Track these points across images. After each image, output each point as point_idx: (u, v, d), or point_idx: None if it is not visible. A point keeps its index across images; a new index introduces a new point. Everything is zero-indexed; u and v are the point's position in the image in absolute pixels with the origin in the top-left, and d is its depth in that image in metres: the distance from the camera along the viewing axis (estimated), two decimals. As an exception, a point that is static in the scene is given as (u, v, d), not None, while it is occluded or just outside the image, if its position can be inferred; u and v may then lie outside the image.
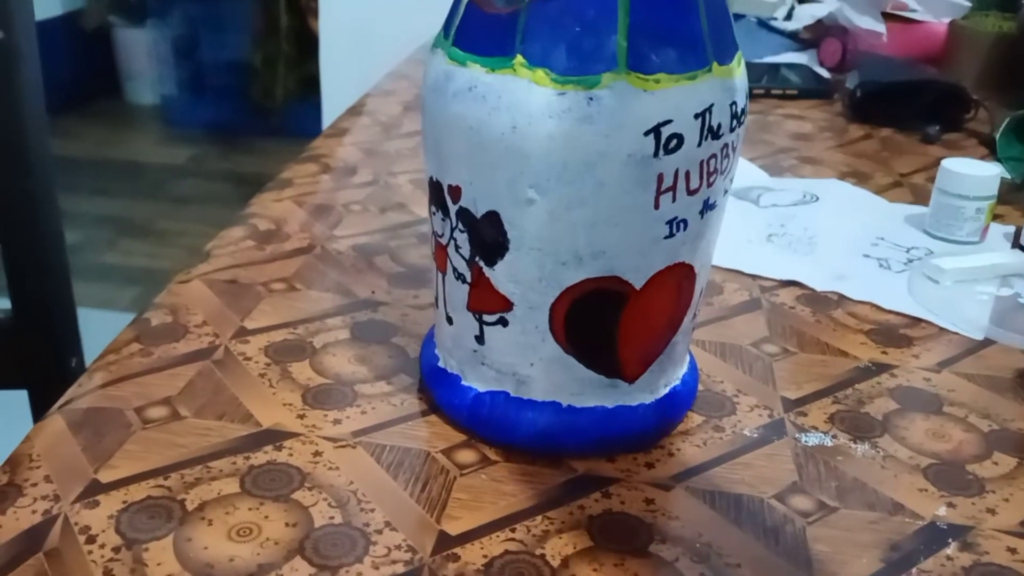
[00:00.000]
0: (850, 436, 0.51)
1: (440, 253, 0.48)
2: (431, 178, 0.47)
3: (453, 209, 0.45)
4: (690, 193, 0.43)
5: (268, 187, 0.82)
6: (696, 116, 0.41)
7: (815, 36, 1.41)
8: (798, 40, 1.42)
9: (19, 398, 0.87)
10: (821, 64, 1.33)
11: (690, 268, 0.46)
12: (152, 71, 3.47)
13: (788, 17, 1.45)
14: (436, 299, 0.50)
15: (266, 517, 0.43)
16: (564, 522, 0.43)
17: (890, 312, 0.65)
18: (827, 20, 1.38)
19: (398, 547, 0.41)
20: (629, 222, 0.42)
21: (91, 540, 0.41)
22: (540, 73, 0.40)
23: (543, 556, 0.41)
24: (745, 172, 0.89)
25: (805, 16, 1.43)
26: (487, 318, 0.46)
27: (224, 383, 0.53)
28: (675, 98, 0.41)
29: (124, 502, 0.43)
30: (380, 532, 0.42)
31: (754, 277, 0.69)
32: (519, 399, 0.47)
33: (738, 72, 0.44)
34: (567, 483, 0.46)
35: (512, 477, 0.46)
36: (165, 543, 0.41)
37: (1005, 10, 1.27)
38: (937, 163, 0.77)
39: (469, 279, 0.46)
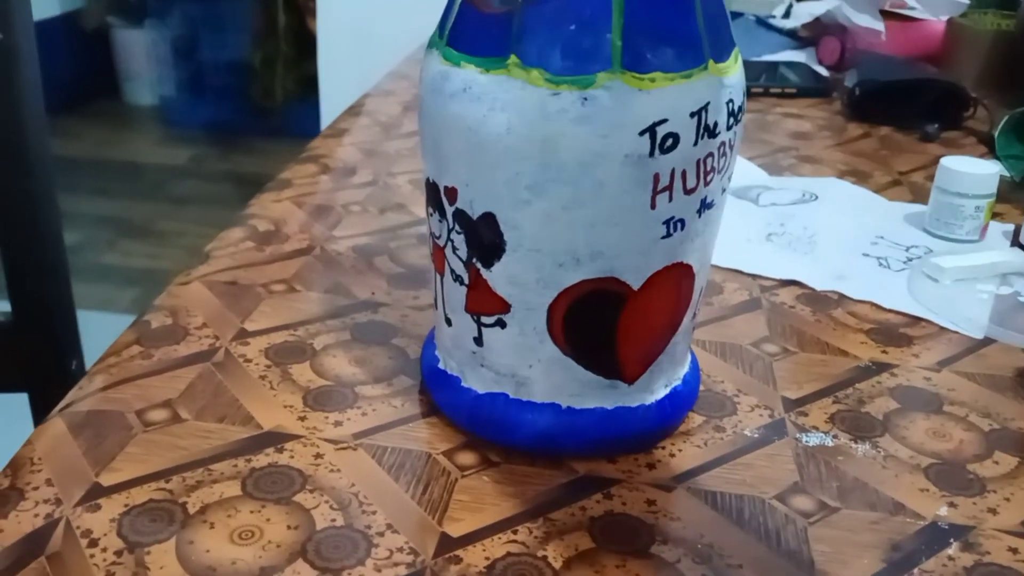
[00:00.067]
0: (851, 436, 0.51)
1: (438, 255, 0.48)
2: (428, 179, 0.47)
3: (450, 211, 0.45)
4: (687, 193, 0.43)
5: (267, 188, 0.82)
6: (692, 115, 0.41)
7: (814, 34, 1.41)
8: (797, 38, 1.42)
9: (19, 401, 0.87)
10: (820, 62, 1.33)
11: (688, 268, 0.45)
12: (151, 71, 3.47)
13: (786, 15, 1.45)
14: (435, 300, 0.50)
15: (268, 520, 0.43)
16: (565, 523, 0.43)
17: (890, 311, 0.65)
18: (826, 18, 1.38)
19: (400, 549, 0.41)
20: (626, 223, 0.42)
21: (93, 544, 0.41)
22: (535, 73, 0.40)
23: (545, 558, 0.41)
24: (744, 171, 0.89)
25: (803, 14, 1.43)
26: (485, 320, 0.46)
27: (225, 385, 0.53)
28: (670, 97, 0.41)
29: (126, 505, 0.43)
30: (382, 534, 0.42)
31: (754, 276, 0.69)
32: (519, 401, 0.47)
33: (735, 69, 0.44)
34: (568, 484, 0.46)
35: (513, 479, 0.46)
36: (167, 546, 0.41)
37: (1004, 8, 1.27)
38: (936, 161, 0.77)
39: (467, 281, 0.46)
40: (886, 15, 1.29)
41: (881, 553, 0.43)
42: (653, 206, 0.42)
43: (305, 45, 2.96)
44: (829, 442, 0.50)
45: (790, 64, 1.29)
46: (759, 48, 1.36)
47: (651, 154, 0.41)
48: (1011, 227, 0.78)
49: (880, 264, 0.72)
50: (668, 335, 0.47)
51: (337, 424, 0.50)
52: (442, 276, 0.48)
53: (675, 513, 0.44)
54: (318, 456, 0.47)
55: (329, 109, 1.71)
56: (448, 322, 0.49)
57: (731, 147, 0.44)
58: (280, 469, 0.46)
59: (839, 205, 0.82)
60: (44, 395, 0.86)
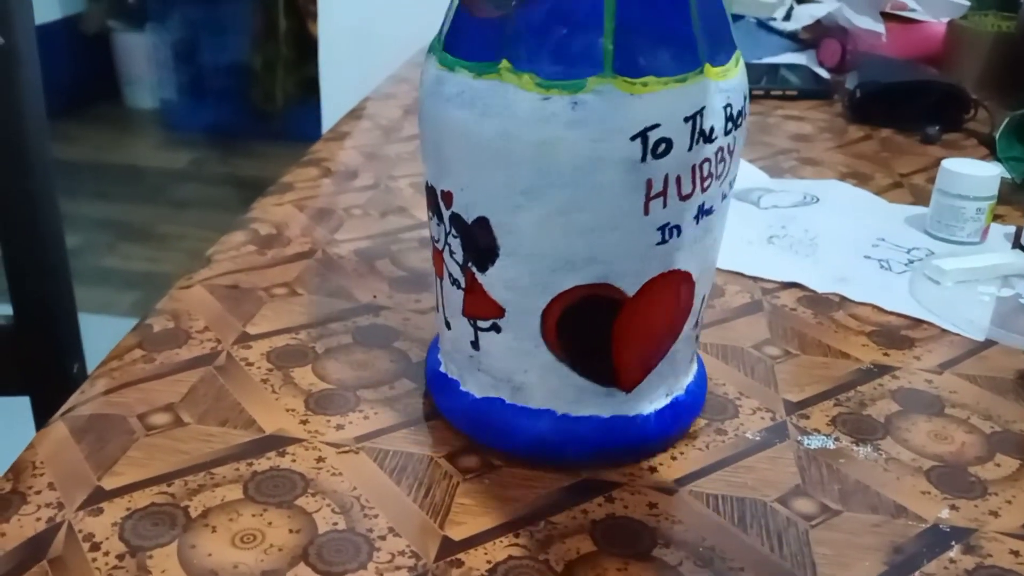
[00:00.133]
0: (852, 439, 0.51)
1: (437, 258, 0.48)
2: (427, 183, 0.47)
3: (447, 214, 0.45)
4: (683, 198, 0.42)
5: (269, 191, 0.82)
6: (686, 119, 0.41)
7: (814, 36, 1.41)
8: (797, 40, 1.42)
9: (20, 404, 0.87)
10: (820, 65, 1.33)
11: (686, 275, 0.45)
12: (151, 75, 3.47)
13: (787, 17, 1.45)
14: (436, 304, 0.50)
15: (270, 523, 0.43)
16: (567, 527, 0.43)
17: (891, 313, 0.65)
18: (826, 20, 1.38)
19: (402, 553, 0.41)
20: (619, 228, 0.42)
21: (95, 548, 0.41)
22: (525, 78, 0.40)
23: (547, 561, 0.41)
24: (745, 173, 0.89)
25: (804, 16, 1.43)
26: (481, 324, 0.46)
27: (226, 389, 0.53)
28: (663, 101, 0.40)
29: (128, 509, 0.43)
30: (384, 538, 0.42)
31: (755, 279, 0.69)
32: (515, 406, 0.47)
33: (734, 73, 0.43)
34: (570, 488, 0.46)
35: (515, 482, 0.46)
36: (169, 550, 0.41)
37: (1004, 10, 1.27)
38: (937, 163, 0.77)
39: (463, 284, 0.46)
40: (887, 17, 1.29)
41: (883, 556, 0.43)
42: (647, 212, 0.42)
43: (305, 48, 2.97)
44: (831, 445, 0.50)
45: (791, 66, 1.29)
46: (760, 50, 1.36)
47: (643, 159, 0.40)
48: (1012, 229, 0.78)
49: (881, 266, 0.72)
50: (667, 343, 0.47)
51: (339, 428, 0.50)
52: (441, 280, 0.48)
53: (677, 516, 0.44)
54: (320, 460, 0.47)
55: (330, 112, 1.72)
56: (448, 326, 0.49)
57: (730, 152, 0.44)
58: (282, 473, 0.46)
59: (840, 207, 0.83)
60: (45, 398, 0.86)
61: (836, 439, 0.51)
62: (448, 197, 0.45)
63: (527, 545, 0.42)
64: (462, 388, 0.49)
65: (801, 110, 1.14)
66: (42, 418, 0.85)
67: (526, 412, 0.47)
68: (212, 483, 0.45)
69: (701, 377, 0.52)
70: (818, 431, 0.51)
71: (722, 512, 0.45)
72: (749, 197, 0.84)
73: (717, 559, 0.42)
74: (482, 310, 0.46)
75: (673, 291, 0.45)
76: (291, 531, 0.42)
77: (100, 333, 0.99)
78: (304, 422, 0.50)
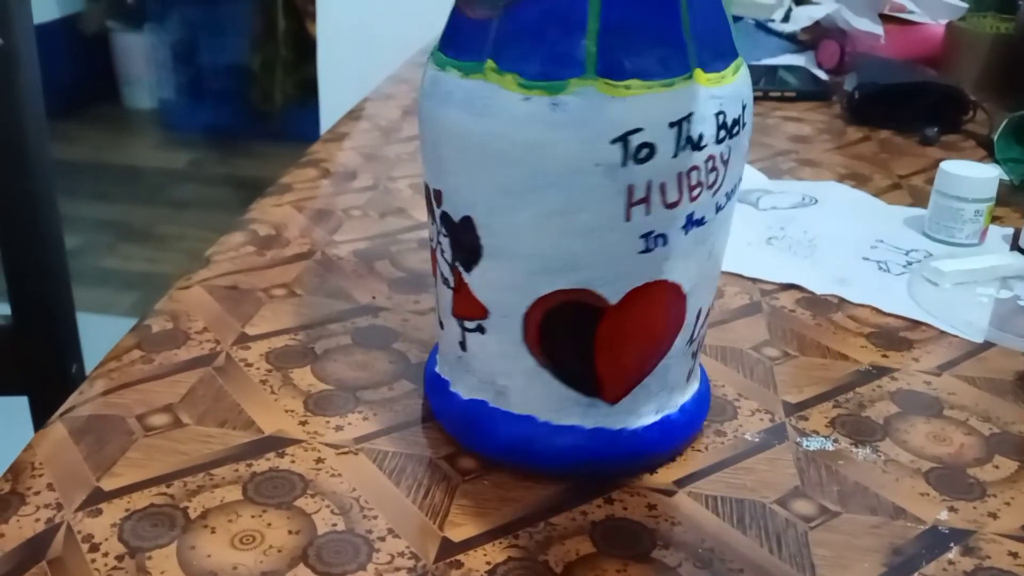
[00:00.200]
0: (851, 440, 0.51)
1: (432, 257, 0.48)
2: (424, 182, 0.47)
3: (437, 213, 0.45)
4: (668, 207, 0.41)
5: (268, 192, 0.82)
6: (671, 125, 0.39)
7: (813, 38, 1.42)
8: (796, 42, 1.42)
9: (18, 404, 0.87)
10: (819, 66, 1.34)
11: (675, 287, 0.44)
12: (150, 75, 3.47)
13: (786, 19, 1.45)
14: (436, 304, 0.50)
15: (269, 524, 0.43)
16: (566, 528, 0.43)
17: (890, 315, 0.65)
18: (825, 22, 1.38)
19: (401, 554, 0.41)
20: (600, 234, 0.41)
21: (94, 548, 0.41)
22: (509, 78, 0.40)
23: (546, 562, 0.41)
24: (744, 174, 0.89)
25: (803, 18, 1.43)
26: (468, 324, 0.46)
27: (225, 390, 0.53)
28: (646, 106, 0.39)
29: (127, 510, 0.43)
30: (383, 539, 0.42)
31: (754, 280, 0.69)
32: (498, 410, 0.47)
33: (730, 81, 0.42)
34: (569, 489, 0.46)
35: (514, 483, 0.46)
36: (168, 551, 0.41)
37: (1003, 11, 1.27)
38: (935, 165, 0.77)
39: (452, 284, 0.46)
40: (885, 19, 1.29)
41: (882, 557, 0.43)
42: (628, 218, 0.41)
43: (304, 49, 2.97)
44: (830, 446, 0.50)
45: (789, 68, 1.29)
46: (758, 52, 1.36)
47: (624, 164, 0.39)
48: (1011, 231, 0.78)
49: (880, 268, 0.72)
50: (654, 356, 0.45)
51: (338, 428, 0.50)
52: (436, 279, 0.48)
53: (676, 518, 0.44)
54: (319, 461, 0.47)
55: (328, 113, 1.72)
56: (441, 325, 0.49)
57: (724, 162, 0.42)
58: (281, 474, 0.46)
59: (839, 209, 0.83)
60: (44, 399, 0.86)
61: (835, 441, 0.51)
62: (439, 196, 0.45)
63: (526, 546, 0.42)
64: (451, 389, 0.49)
65: (800, 111, 1.14)
66: (40, 418, 0.85)
67: (508, 416, 0.46)
68: (211, 484, 0.45)
69: (701, 398, 0.50)
70: (817, 433, 0.51)
71: (721, 513, 0.45)
72: (748, 198, 0.84)
73: (716, 560, 0.42)
74: (468, 310, 0.46)
75: (660, 303, 0.44)
76: (290, 532, 0.42)
77: (99, 333, 0.99)
78: (303, 423, 0.50)
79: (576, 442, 0.46)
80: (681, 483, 0.47)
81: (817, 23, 1.40)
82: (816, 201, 0.84)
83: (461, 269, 0.45)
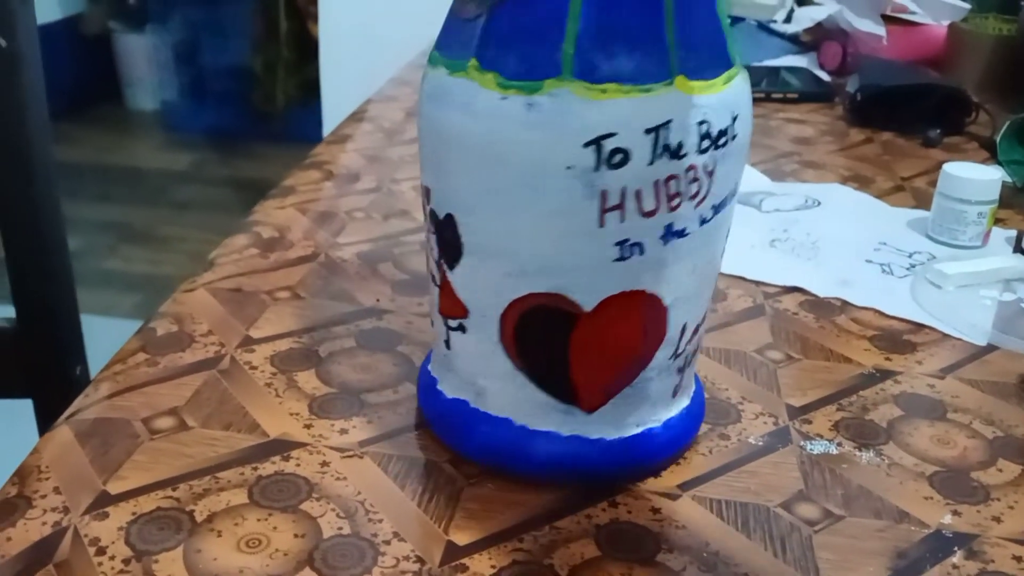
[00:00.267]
0: (855, 443, 0.51)
1: (427, 256, 0.48)
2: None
3: (426, 210, 0.46)
4: (644, 215, 0.40)
5: (271, 195, 0.82)
6: (647, 131, 0.39)
7: (815, 39, 1.42)
8: (798, 43, 1.42)
9: (23, 407, 0.87)
10: (821, 67, 1.34)
11: (654, 299, 0.43)
12: (152, 76, 3.48)
13: (788, 20, 1.45)
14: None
15: (274, 528, 0.43)
16: (571, 532, 0.44)
17: (893, 318, 0.65)
18: (827, 23, 1.38)
19: (406, 557, 0.41)
20: (573, 238, 0.41)
21: (101, 552, 0.41)
22: (489, 76, 0.40)
23: (551, 566, 0.41)
24: (747, 177, 0.90)
25: (805, 19, 1.43)
26: (451, 323, 0.46)
27: (230, 393, 0.53)
28: (621, 110, 0.39)
29: (133, 513, 0.43)
30: (388, 543, 0.42)
31: (757, 283, 0.69)
32: (476, 410, 0.47)
33: (719, 90, 0.41)
34: (573, 493, 0.46)
35: (519, 487, 0.46)
36: (175, 554, 0.41)
37: (1005, 12, 1.27)
38: (938, 167, 0.78)
39: (438, 282, 0.46)
40: (887, 20, 1.29)
41: (886, 561, 0.43)
42: (602, 224, 0.40)
43: (306, 50, 2.97)
44: (833, 450, 0.50)
45: (792, 69, 1.29)
46: (760, 53, 1.36)
47: (596, 168, 0.39)
48: (1013, 233, 0.78)
49: (883, 270, 0.72)
50: (632, 368, 0.45)
51: (343, 432, 0.50)
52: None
53: (680, 521, 0.45)
54: (324, 464, 0.47)
55: (331, 114, 1.72)
56: (432, 323, 0.49)
57: (708, 173, 0.41)
58: (286, 477, 0.46)
59: (842, 211, 0.83)
60: (48, 401, 0.86)
61: (839, 444, 0.51)
62: (427, 193, 0.45)
63: (531, 550, 0.42)
64: (438, 387, 0.49)
65: (802, 113, 1.14)
66: (44, 421, 0.86)
67: (486, 418, 0.47)
68: (217, 487, 0.45)
69: (690, 414, 0.49)
70: (821, 436, 0.51)
71: (725, 517, 0.45)
72: (751, 201, 0.84)
73: (721, 564, 0.42)
74: (450, 309, 0.46)
75: (636, 313, 0.43)
76: (296, 536, 0.42)
77: (102, 335, 0.99)
78: (308, 426, 0.50)
79: (552, 448, 0.46)
80: (685, 487, 0.47)
81: (819, 24, 1.40)
82: (819, 203, 0.84)
83: (445, 267, 0.45)
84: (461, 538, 0.43)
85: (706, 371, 0.57)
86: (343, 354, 0.57)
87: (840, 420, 0.53)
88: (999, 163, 0.92)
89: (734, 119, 0.42)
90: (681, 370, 0.47)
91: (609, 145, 0.39)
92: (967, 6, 1.27)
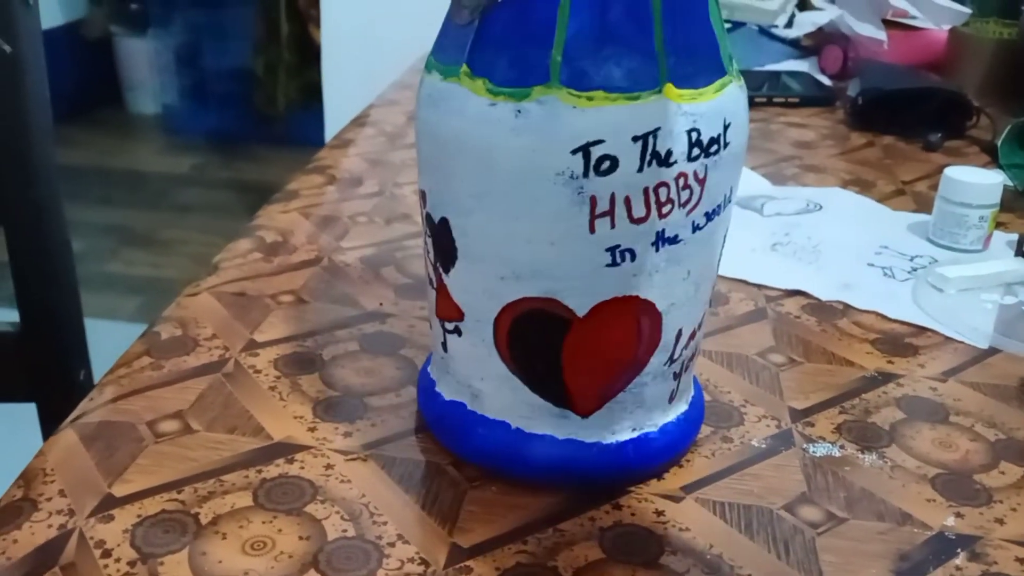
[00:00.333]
0: (857, 446, 0.51)
1: (425, 259, 0.48)
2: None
3: (423, 214, 0.46)
4: (634, 221, 0.40)
5: (274, 199, 0.82)
6: (635, 139, 0.39)
7: (816, 43, 1.42)
8: (799, 48, 1.43)
9: (27, 411, 0.87)
10: (822, 71, 1.34)
11: (648, 304, 0.43)
12: (154, 80, 3.48)
13: (789, 24, 1.46)
14: None
15: (279, 530, 0.43)
16: (575, 534, 0.44)
17: (895, 321, 0.65)
18: (828, 27, 1.38)
19: (411, 560, 0.42)
20: (563, 243, 0.41)
21: (106, 554, 0.41)
22: (479, 82, 0.41)
23: (555, 568, 0.42)
24: (748, 181, 0.90)
25: (806, 23, 1.43)
26: (447, 326, 0.47)
27: (235, 396, 0.53)
28: (609, 117, 0.39)
29: (139, 516, 0.44)
30: (393, 545, 0.42)
31: (759, 286, 0.69)
32: (474, 413, 0.47)
33: (710, 98, 0.41)
34: (576, 495, 0.46)
35: (522, 489, 0.47)
36: (180, 557, 0.41)
37: (1006, 17, 1.27)
38: (939, 171, 0.78)
39: (435, 284, 0.47)
40: (888, 24, 1.30)
41: (889, 563, 0.43)
42: (592, 230, 0.40)
43: (308, 53, 2.98)
44: (836, 452, 0.51)
45: (793, 73, 1.29)
46: (762, 58, 1.37)
47: (585, 174, 0.39)
48: (1015, 237, 0.78)
49: (885, 274, 0.72)
50: (625, 373, 0.45)
51: (347, 435, 0.50)
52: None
53: (684, 523, 0.45)
54: (328, 467, 0.47)
55: (332, 117, 1.73)
56: (430, 325, 0.49)
57: (699, 181, 0.41)
58: (291, 480, 0.46)
59: (843, 215, 0.83)
60: (52, 405, 0.87)
61: (841, 447, 0.51)
62: (424, 197, 0.46)
63: (535, 552, 0.42)
64: (436, 389, 0.49)
65: (803, 117, 1.15)
66: (48, 424, 0.86)
67: (483, 420, 0.47)
68: (222, 490, 0.45)
69: (688, 419, 0.49)
70: (823, 439, 0.52)
71: (729, 519, 0.45)
72: (752, 204, 0.84)
73: (724, 566, 0.42)
74: (446, 312, 0.46)
75: (630, 319, 0.43)
76: (301, 538, 0.43)
77: (104, 338, 0.99)
78: (312, 429, 0.50)
79: (548, 452, 0.46)
80: (688, 489, 0.47)
81: (820, 29, 1.40)
82: (820, 207, 0.84)
83: (441, 270, 0.45)
84: (465, 540, 0.43)
85: (708, 374, 0.57)
86: (346, 358, 0.58)
87: (842, 423, 0.53)
88: (1000, 167, 0.92)
89: (726, 127, 0.42)
90: (677, 375, 0.47)
91: (597, 152, 0.39)
92: (967, 10, 1.28)
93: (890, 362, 0.60)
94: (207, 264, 0.70)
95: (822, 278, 0.70)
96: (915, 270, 0.73)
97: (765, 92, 1.20)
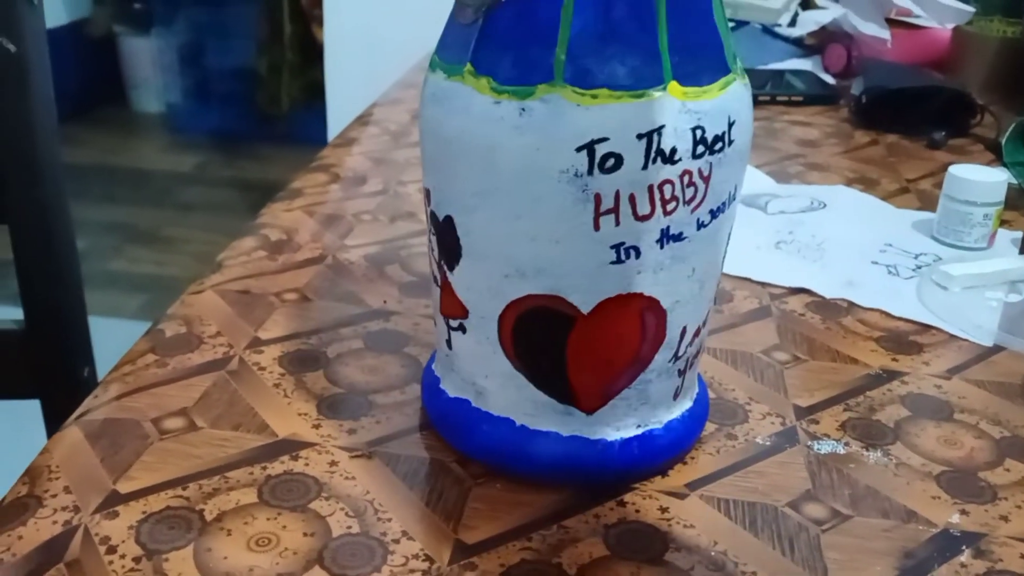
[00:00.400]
0: (862, 444, 0.51)
1: (429, 256, 0.48)
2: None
3: (427, 212, 0.46)
4: (639, 219, 0.41)
5: (278, 197, 0.82)
6: (640, 137, 0.39)
7: (820, 42, 1.42)
8: (803, 46, 1.42)
9: (31, 408, 0.87)
10: (826, 70, 1.34)
11: (653, 302, 0.43)
12: (157, 79, 3.48)
13: (792, 23, 1.46)
14: None
15: (284, 527, 0.43)
16: (579, 531, 0.44)
17: (900, 319, 0.65)
18: (831, 26, 1.38)
19: (415, 556, 0.42)
20: (568, 240, 0.41)
21: (111, 551, 0.41)
22: (483, 81, 0.41)
23: (559, 565, 0.42)
24: (752, 179, 0.90)
25: (809, 22, 1.43)
26: (452, 323, 0.47)
27: (239, 393, 0.53)
28: (613, 115, 0.39)
29: (143, 512, 0.44)
30: (397, 541, 0.43)
31: (763, 284, 0.69)
32: (479, 410, 0.47)
33: (715, 95, 0.41)
34: (581, 492, 0.46)
35: (526, 486, 0.47)
36: (185, 553, 0.41)
37: (1009, 15, 1.27)
38: (943, 169, 0.78)
39: (439, 282, 0.47)
40: (892, 23, 1.30)
41: (894, 561, 0.43)
42: (597, 227, 0.40)
43: (311, 52, 2.98)
44: (841, 450, 0.51)
45: (796, 72, 1.29)
46: (765, 56, 1.37)
47: (590, 172, 0.39)
48: (1019, 234, 0.78)
49: (889, 272, 0.72)
50: (632, 371, 0.45)
51: (351, 432, 0.50)
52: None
53: (688, 521, 0.45)
54: (333, 464, 0.48)
55: (336, 116, 1.73)
56: (435, 323, 0.49)
57: (704, 178, 0.41)
58: (296, 477, 0.47)
59: (847, 213, 0.83)
60: (56, 402, 0.87)
61: (846, 444, 0.51)
62: (428, 195, 0.46)
63: (540, 549, 0.42)
64: (440, 386, 0.50)
65: (807, 115, 1.14)
66: (52, 422, 0.86)
67: (488, 417, 0.47)
68: (226, 487, 0.46)
69: (693, 416, 0.49)
70: (828, 436, 0.52)
71: (733, 516, 0.45)
72: (756, 202, 0.84)
73: (729, 563, 0.42)
74: (451, 309, 0.46)
75: (634, 316, 0.43)
76: (305, 535, 0.43)
77: (107, 336, 0.99)
78: (317, 426, 0.50)
79: (553, 448, 0.46)
80: (693, 486, 0.47)
81: (824, 27, 1.40)
82: (824, 205, 0.84)
83: (445, 268, 0.46)
84: (469, 537, 0.43)
85: (713, 372, 0.57)
86: (351, 355, 0.58)
87: (847, 420, 0.53)
88: (1004, 165, 0.92)
89: (731, 125, 0.42)
90: (682, 372, 0.47)
91: (601, 150, 0.39)
92: (971, 9, 1.28)
93: (894, 360, 0.60)
94: (211, 262, 0.70)
95: (826, 276, 0.70)
96: (919, 268, 0.72)
97: (769, 91, 1.20)
